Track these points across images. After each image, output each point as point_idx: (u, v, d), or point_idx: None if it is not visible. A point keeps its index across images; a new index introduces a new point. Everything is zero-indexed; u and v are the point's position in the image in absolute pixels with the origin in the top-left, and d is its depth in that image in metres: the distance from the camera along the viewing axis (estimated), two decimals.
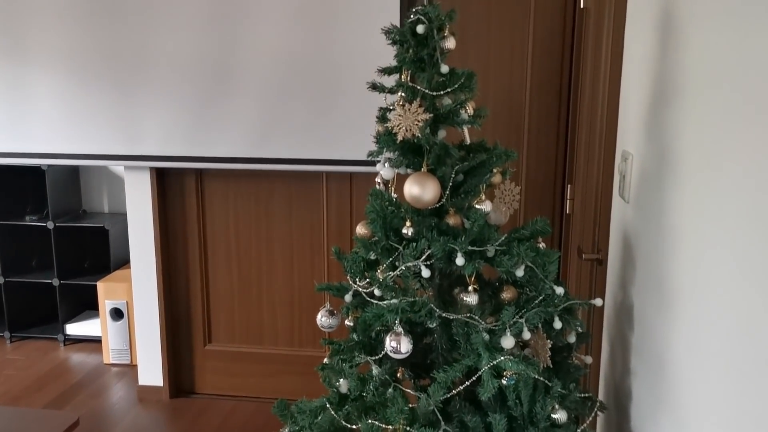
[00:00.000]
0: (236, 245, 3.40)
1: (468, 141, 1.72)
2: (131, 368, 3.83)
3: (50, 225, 4.02)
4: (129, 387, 3.63)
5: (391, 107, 1.74)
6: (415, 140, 1.66)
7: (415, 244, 1.65)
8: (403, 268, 1.65)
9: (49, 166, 3.95)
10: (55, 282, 4.08)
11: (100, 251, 4.20)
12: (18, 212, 4.13)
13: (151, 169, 3.32)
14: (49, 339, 4.21)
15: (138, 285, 3.47)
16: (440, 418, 1.59)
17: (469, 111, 1.65)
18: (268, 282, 3.41)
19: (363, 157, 3.07)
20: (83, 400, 3.49)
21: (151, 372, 3.51)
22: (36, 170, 3.98)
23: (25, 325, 4.27)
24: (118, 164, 3.35)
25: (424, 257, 1.62)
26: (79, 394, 3.55)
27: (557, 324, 1.62)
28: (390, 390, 1.70)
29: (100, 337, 4.01)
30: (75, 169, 4.29)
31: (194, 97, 3.14)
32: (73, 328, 4.20)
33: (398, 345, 1.59)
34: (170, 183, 3.39)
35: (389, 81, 1.76)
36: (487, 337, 1.58)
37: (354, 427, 1.69)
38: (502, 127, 2.99)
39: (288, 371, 3.46)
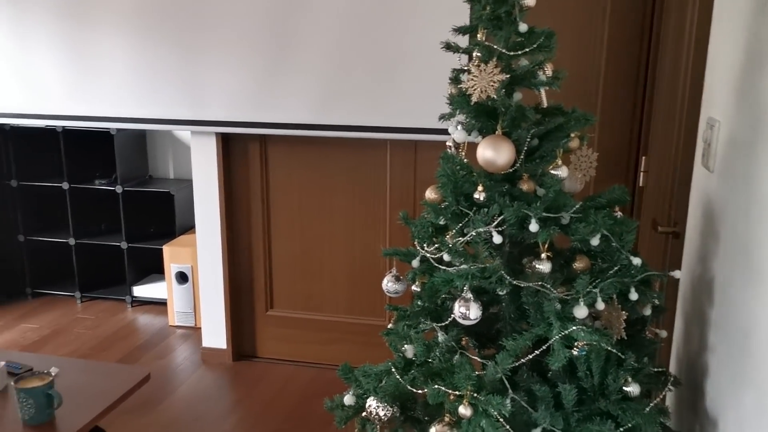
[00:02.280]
0: (298, 212, 3.42)
1: (545, 104, 1.66)
2: (195, 331, 3.92)
3: (119, 189, 4.12)
4: (193, 349, 3.71)
5: (466, 68, 1.70)
6: (490, 102, 1.61)
7: (486, 209, 1.61)
8: (474, 233, 1.61)
9: (118, 130, 4.04)
10: (123, 245, 4.20)
11: (165, 216, 4.29)
12: (88, 177, 4.25)
13: (217, 134, 3.35)
14: (117, 300, 4.34)
15: (203, 250, 3.53)
16: (508, 386, 1.56)
17: (547, 72, 1.59)
18: (329, 249, 3.42)
19: (428, 125, 3.03)
20: (149, 359, 3.59)
21: (215, 335, 3.58)
22: (105, 135, 4.07)
23: (95, 286, 4.41)
24: (184, 129, 3.40)
25: (495, 223, 1.58)
26: (146, 354, 3.66)
27: (633, 295, 1.56)
28: (456, 356, 1.67)
29: (166, 299, 4.11)
30: (142, 135, 4.38)
31: (260, 62, 3.14)
32: (140, 291, 4.31)
33: (467, 311, 1.56)
34: (235, 149, 3.42)
35: (463, 42, 1.72)
36: (558, 306, 1.53)
37: (419, 391, 1.68)
38: (575, 94, 2.89)
39: (346, 339, 3.47)
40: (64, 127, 3.94)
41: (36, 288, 4.42)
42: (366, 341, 3.43)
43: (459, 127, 1.70)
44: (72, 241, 4.25)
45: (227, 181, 3.44)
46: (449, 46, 1.74)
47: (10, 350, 3.62)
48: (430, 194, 1.80)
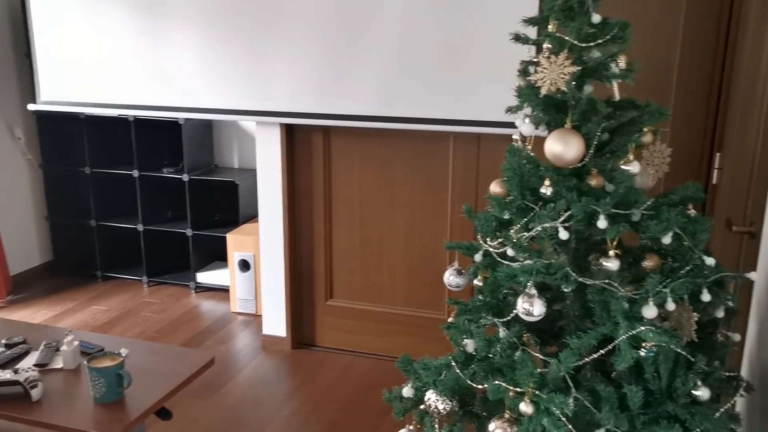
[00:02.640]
0: (359, 203, 3.43)
1: (617, 97, 1.62)
2: (256, 318, 3.99)
3: (185, 178, 4.22)
4: (254, 335, 3.78)
5: (535, 59, 1.67)
6: (560, 95, 1.57)
7: (552, 204, 1.58)
8: (539, 229, 1.58)
9: (186, 120, 4.13)
10: (189, 232, 4.30)
11: (229, 205, 4.37)
12: (156, 165, 4.36)
13: (281, 125, 3.39)
14: (181, 285, 4.45)
15: (265, 239, 3.58)
16: (571, 384, 1.53)
17: (620, 64, 1.54)
18: (389, 241, 3.42)
19: (492, 117, 3.00)
20: (212, 345, 3.68)
21: (275, 323, 3.64)
22: (173, 124, 4.17)
23: (161, 271, 4.54)
24: (249, 119, 3.45)
25: (562, 219, 1.55)
26: (208, 338, 3.75)
27: (705, 297, 1.51)
28: (518, 353, 1.65)
29: (228, 286, 4.20)
30: (209, 125, 4.47)
31: (325, 54, 3.16)
32: (203, 277, 4.42)
33: (531, 307, 1.54)
34: (299, 140, 3.46)
35: (532, 33, 1.69)
36: (626, 305, 1.49)
37: (479, 386, 1.66)
38: (647, 87, 2.80)
39: (405, 331, 3.48)
40: (135, 116, 4.06)
41: (106, 272, 4.58)
42: (424, 334, 3.42)
43: (526, 120, 1.67)
44: (140, 227, 4.38)
45: (290, 171, 3.48)
46: (518, 38, 1.71)
47: (82, 330, 3.77)
48: (495, 188, 1.78)
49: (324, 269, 3.56)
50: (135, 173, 4.30)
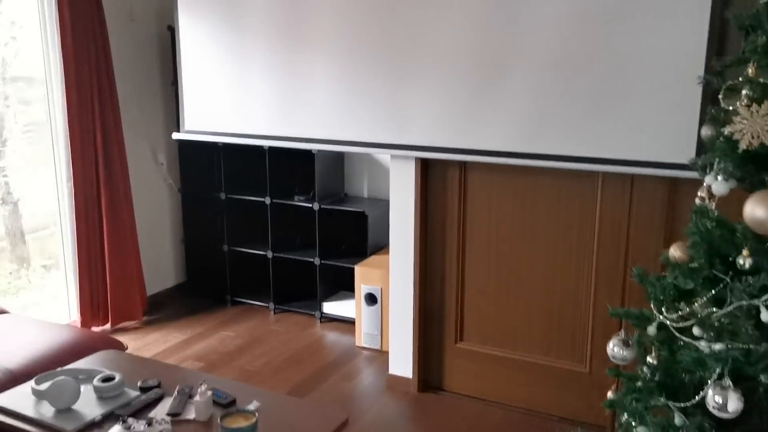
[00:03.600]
0: (496, 242, 3.25)
1: None
2: (381, 354, 3.88)
3: (316, 206, 4.21)
4: (379, 374, 3.67)
5: (729, 107, 1.44)
6: (763, 150, 1.34)
7: (751, 278, 1.35)
8: (736, 306, 1.35)
9: (319, 150, 4.12)
10: (317, 261, 4.28)
11: (358, 235, 4.31)
12: (288, 192, 4.39)
13: (417, 158, 3.28)
14: (307, 314, 4.43)
15: (395, 273, 3.47)
16: None
17: None
18: (527, 284, 3.21)
19: (647, 157, 2.74)
20: (336, 381, 3.60)
21: (401, 362, 3.51)
22: (306, 153, 4.17)
23: (288, 298, 4.54)
24: (385, 152, 3.37)
25: (766, 297, 1.31)
26: (333, 374, 3.67)
27: None
28: None
29: (354, 318, 4.12)
30: (340, 154, 4.45)
31: (464, 87, 3.03)
32: (329, 307, 4.37)
33: (724, 401, 1.31)
34: (433, 173, 3.33)
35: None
36: None
37: None
38: None
39: (541, 382, 3.24)
40: (270, 146, 4.10)
41: (235, 296, 4.64)
42: (563, 386, 3.18)
43: (720, 177, 1.44)
44: (270, 254, 4.41)
45: (424, 205, 3.36)
46: (709, 83, 1.49)
47: (212, 359, 3.81)
48: (676, 252, 1.55)
49: (455, 309, 3.39)
50: (267, 200, 4.34)
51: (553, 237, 3.12)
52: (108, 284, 4.10)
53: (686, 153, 2.64)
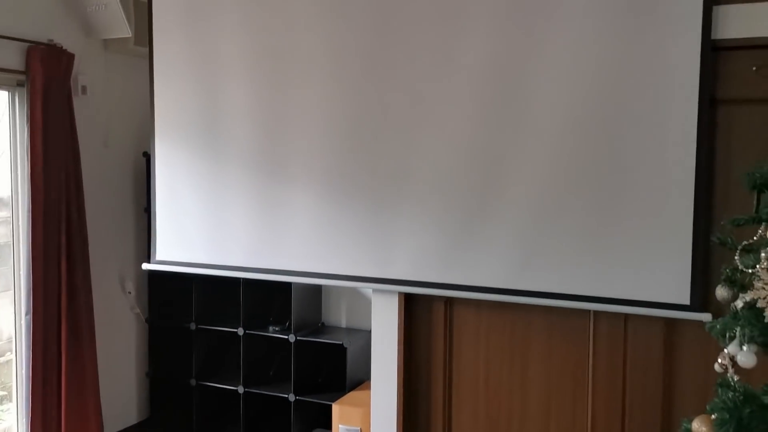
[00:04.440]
0: (485, 382, 3.08)
1: None
2: None
3: (292, 338, 4.01)
4: None
5: (746, 268, 1.35)
6: None
7: None
8: None
9: None
10: (291, 398, 4.02)
11: (336, 367, 4.09)
12: (262, 322, 4.19)
13: (400, 293, 3.15)
14: None
15: (377, 414, 3.26)
16: None
17: None
18: (519, 427, 3.01)
19: (643, 296, 2.65)
20: None
21: None
22: (283, 283, 4.01)
23: None
24: (366, 286, 3.24)
25: None
26: None
27: None
28: None
29: None
30: None
31: (450, 219, 2.96)
32: None
33: None
34: (417, 308, 3.20)
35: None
36: None
37: None
38: None
39: None
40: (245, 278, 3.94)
41: None
42: None
43: (745, 347, 1.32)
44: (241, 389, 4.15)
45: (407, 342, 3.20)
46: (723, 242, 1.40)
47: None
48: (700, 427, 1.40)
49: None
50: (240, 331, 4.14)
51: (545, 378, 2.96)
52: (63, 423, 3.78)
53: (681, 292, 2.56)
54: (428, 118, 2.98)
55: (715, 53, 2.53)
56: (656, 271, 2.62)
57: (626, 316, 2.78)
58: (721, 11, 2.51)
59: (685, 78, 2.54)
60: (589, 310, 2.84)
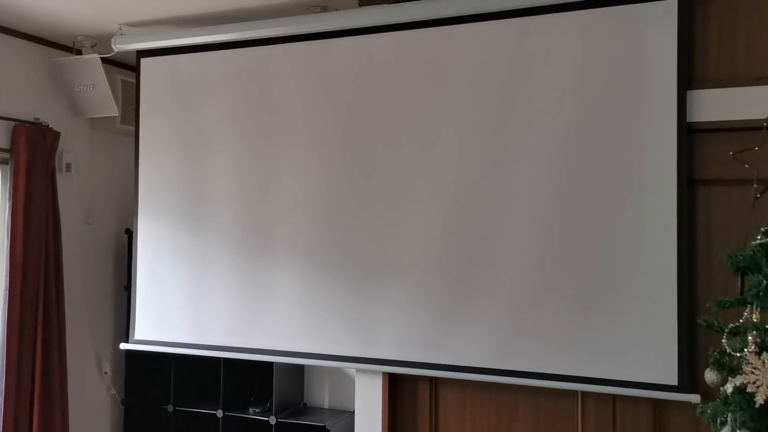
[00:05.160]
0: None
1: None
2: None
3: (272, 420, 3.89)
4: None
5: (732, 351, 1.34)
6: None
7: None
8: None
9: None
10: None
11: None
12: (243, 404, 4.07)
13: (384, 373, 3.09)
14: None
15: None
16: None
17: None
18: None
19: (625, 377, 2.62)
20: None
21: None
22: (265, 363, 3.93)
23: None
24: (349, 366, 3.18)
25: None
26: None
27: None
28: None
29: None
30: None
31: (435, 299, 2.94)
32: None
33: None
34: (402, 388, 3.13)
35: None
36: None
37: None
38: None
39: None
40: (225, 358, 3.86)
41: None
42: None
43: (738, 430, 1.30)
44: None
45: (392, 423, 3.11)
46: (710, 325, 1.40)
47: None
48: None
49: None
50: (219, 413, 4.01)
51: None
52: None
53: (668, 373, 2.53)
54: (411, 197, 3.00)
55: (691, 135, 2.59)
56: (643, 352, 2.60)
57: (614, 397, 2.74)
58: (695, 96, 2.59)
59: (663, 159, 2.60)
60: (577, 392, 2.80)
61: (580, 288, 2.70)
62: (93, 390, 4.19)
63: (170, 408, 4.15)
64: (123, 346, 3.66)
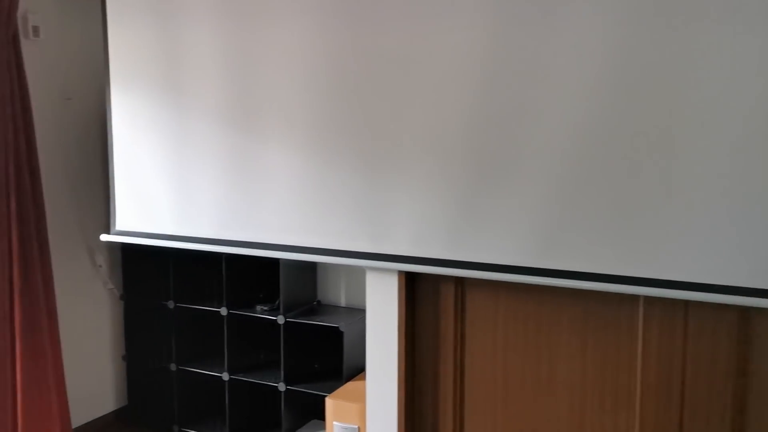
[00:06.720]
0: (503, 380, 2.54)
1: None
2: None
3: (281, 320, 3.48)
4: None
5: None
6: None
7: None
8: None
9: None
10: (281, 387, 3.52)
11: (332, 352, 3.57)
12: (249, 301, 3.68)
13: (400, 272, 2.59)
14: None
15: (373, 414, 2.75)
16: None
17: None
18: None
19: (706, 279, 2.06)
20: None
21: None
22: (270, 258, 3.47)
23: (246, 428, 3.76)
24: (359, 263, 2.68)
25: None
26: None
27: None
28: None
29: None
30: None
31: (459, 184, 2.39)
32: None
33: None
34: (422, 290, 2.64)
35: None
36: None
37: None
38: None
39: None
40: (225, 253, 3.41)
41: (183, 426, 3.86)
42: None
43: None
44: (226, 376, 3.65)
45: (410, 330, 2.66)
46: None
47: None
48: None
49: None
50: (223, 311, 3.62)
51: (580, 377, 2.40)
52: (19, 422, 3.31)
53: (758, 274, 1.97)
54: (432, 61, 2.39)
55: None
56: (726, 246, 2.03)
57: (687, 303, 2.19)
58: None
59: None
60: (639, 297, 2.26)
61: (641, 169, 2.10)
62: (87, 285, 3.83)
63: (171, 304, 3.78)
64: (104, 237, 3.23)
